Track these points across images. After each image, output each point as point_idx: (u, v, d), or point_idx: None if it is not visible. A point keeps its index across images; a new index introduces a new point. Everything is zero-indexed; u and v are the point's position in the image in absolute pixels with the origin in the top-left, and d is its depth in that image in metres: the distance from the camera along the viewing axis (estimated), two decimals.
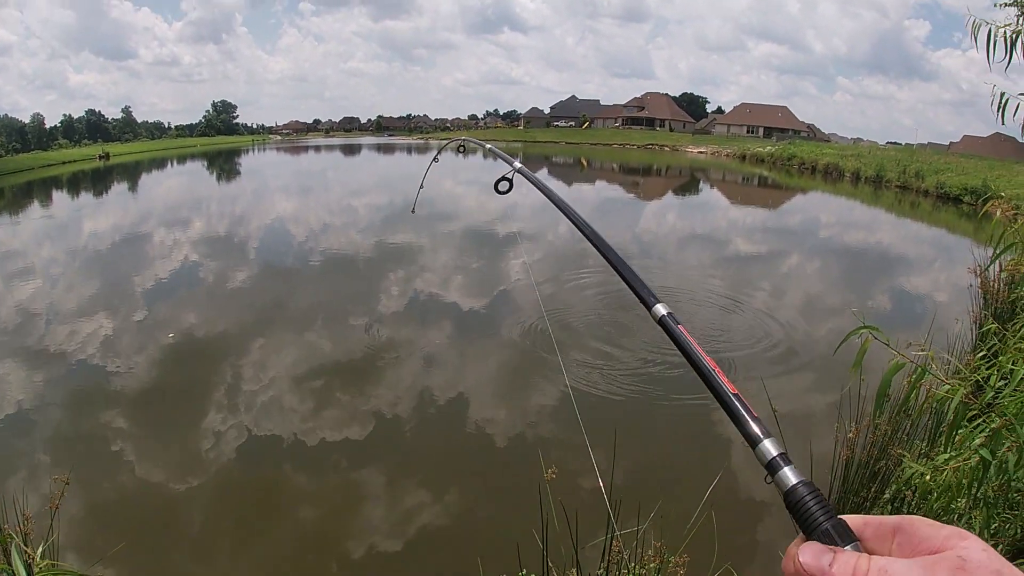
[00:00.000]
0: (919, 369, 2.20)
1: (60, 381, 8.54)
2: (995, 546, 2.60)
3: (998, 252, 2.46)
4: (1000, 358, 2.60)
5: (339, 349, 9.49)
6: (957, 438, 2.50)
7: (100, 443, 6.88)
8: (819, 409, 7.19)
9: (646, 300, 1.01)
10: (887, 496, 3.30)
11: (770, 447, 0.70)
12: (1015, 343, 2.75)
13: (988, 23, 3.33)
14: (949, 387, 2.29)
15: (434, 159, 3.48)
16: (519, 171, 1.81)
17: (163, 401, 7.97)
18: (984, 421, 2.50)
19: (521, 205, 23.13)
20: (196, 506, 5.91)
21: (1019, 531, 2.69)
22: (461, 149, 2.83)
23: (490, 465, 6.56)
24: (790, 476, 0.66)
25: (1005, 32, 3.31)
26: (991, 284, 8.05)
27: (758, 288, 13.21)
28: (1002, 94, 3.40)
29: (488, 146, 2.47)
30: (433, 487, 6.18)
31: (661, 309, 0.96)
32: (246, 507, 5.93)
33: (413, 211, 4.57)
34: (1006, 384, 2.49)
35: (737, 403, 0.76)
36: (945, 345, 6.42)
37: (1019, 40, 3.31)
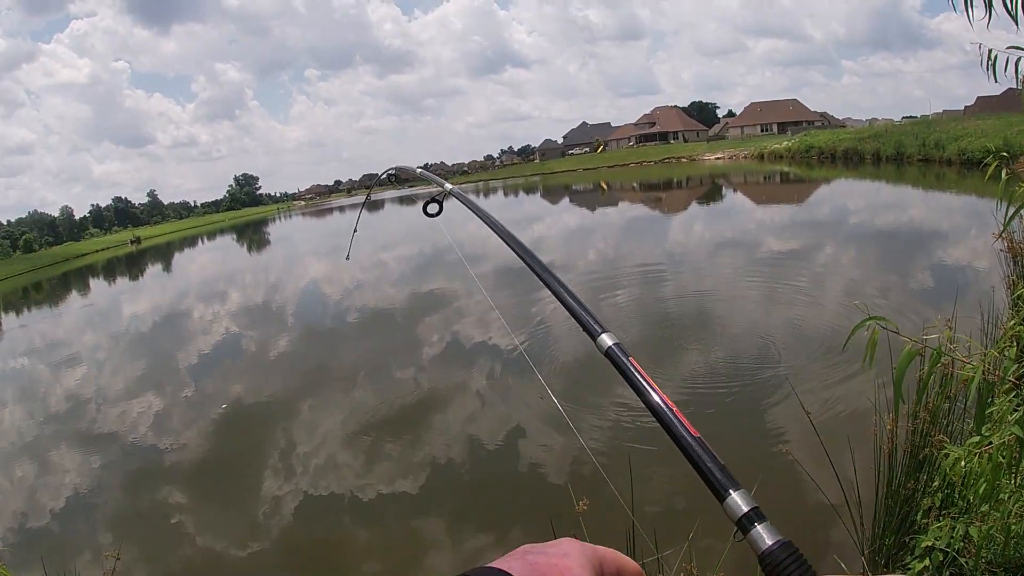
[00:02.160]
0: (936, 352, 2.16)
1: (116, 462, 8.75)
2: None
3: (1010, 215, 2.45)
4: None
5: (385, 402, 9.57)
6: (995, 415, 2.47)
7: (160, 518, 6.99)
8: (858, 404, 7.08)
9: (590, 329, 0.91)
10: (936, 484, 3.24)
11: (739, 501, 0.64)
12: None
13: None
14: (971, 366, 2.25)
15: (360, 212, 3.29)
16: (451, 193, 1.70)
17: (218, 472, 8.10)
18: (1018, 394, 2.46)
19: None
20: (261, 572, 5.99)
21: None
22: (392, 179, 2.69)
23: (525, 500, 6.56)
24: (764, 536, 0.60)
25: None
26: (1019, 247, 7.82)
27: (792, 285, 13.09)
28: (990, 51, 3.41)
29: (418, 170, 2.38)
30: (487, 525, 6.23)
31: (607, 340, 0.87)
32: (310, 568, 6.00)
33: (348, 258, 4.49)
34: None
35: (699, 449, 0.69)
36: (986, 316, 6.34)
37: None
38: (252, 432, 9.29)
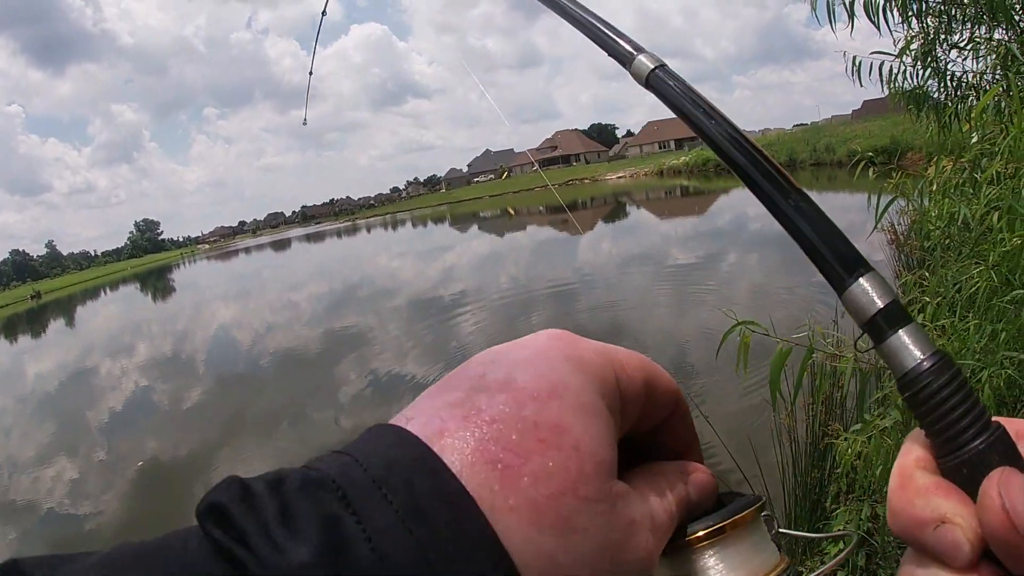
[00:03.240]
0: (808, 349, 2.29)
1: (32, 532, 8.37)
2: None
3: (882, 209, 2.63)
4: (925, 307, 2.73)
5: (310, 447, 9.42)
6: (888, 399, 2.62)
7: None
8: (755, 404, 7.20)
9: (619, 53, 0.57)
10: (840, 470, 3.40)
11: (871, 290, 0.39)
12: (932, 288, 2.90)
13: None
14: (845, 358, 2.39)
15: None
16: None
17: (139, 536, 7.82)
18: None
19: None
20: None
21: None
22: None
23: None
24: (911, 346, 0.37)
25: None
26: (901, 237, 8.33)
27: (696, 297, 13.46)
28: (854, 58, 3.63)
29: None
30: None
31: (646, 62, 0.54)
32: None
33: (304, 123, 4.25)
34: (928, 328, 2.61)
35: (808, 207, 0.46)
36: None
37: (854, 3, 3.54)
38: (172, 489, 9.00)
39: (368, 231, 76.56)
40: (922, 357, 0.37)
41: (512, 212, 60.45)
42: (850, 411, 4.34)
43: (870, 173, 2.77)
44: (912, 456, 0.38)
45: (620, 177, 78.24)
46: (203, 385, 14.48)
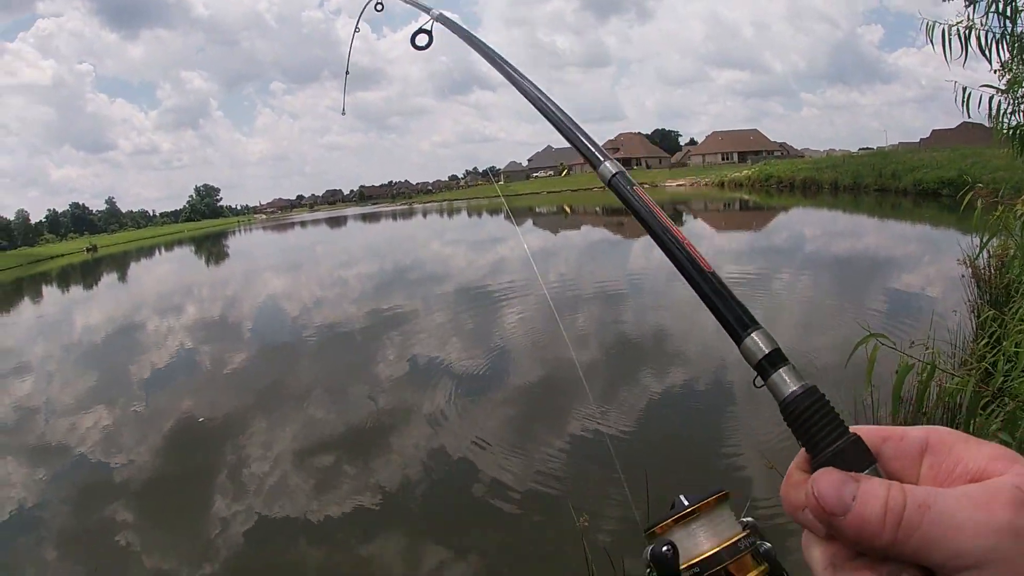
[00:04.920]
0: (928, 367, 2.19)
1: (63, 477, 8.48)
2: None
3: (985, 241, 2.47)
4: (1004, 343, 2.60)
5: (343, 421, 9.41)
6: (976, 425, 2.49)
7: (108, 537, 6.75)
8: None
9: (591, 158, 0.81)
10: None
11: (759, 341, 0.57)
12: (1015, 326, 2.75)
13: (940, 23, 3.42)
14: (959, 379, 2.29)
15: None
16: (438, 19, 1.42)
17: (168, 490, 7.87)
18: (998, 406, 2.49)
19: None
20: None
21: None
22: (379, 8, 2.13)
23: (513, 520, 6.45)
24: (788, 380, 0.54)
25: (958, 29, 3.39)
26: (982, 272, 8.17)
27: (753, 309, 13.20)
28: (964, 88, 3.47)
29: None
30: (459, 548, 6.10)
31: (610, 167, 0.77)
32: None
33: (344, 112, 4.19)
34: (1012, 367, 2.48)
35: (713, 284, 0.62)
36: (947, 338, 6.43)
37: (972, 35, 3.39)
38: (203, 449, 9.07)
39: (424, 216, 77.10)
40: (794, 388, 0.53)
41: (568, 210, 60.31)
42: None
43: (979, 204, 2.60)
44: (796, 461, 0.52)
45: (680, 185, 77.51)
46: (246, 351, 14.64)
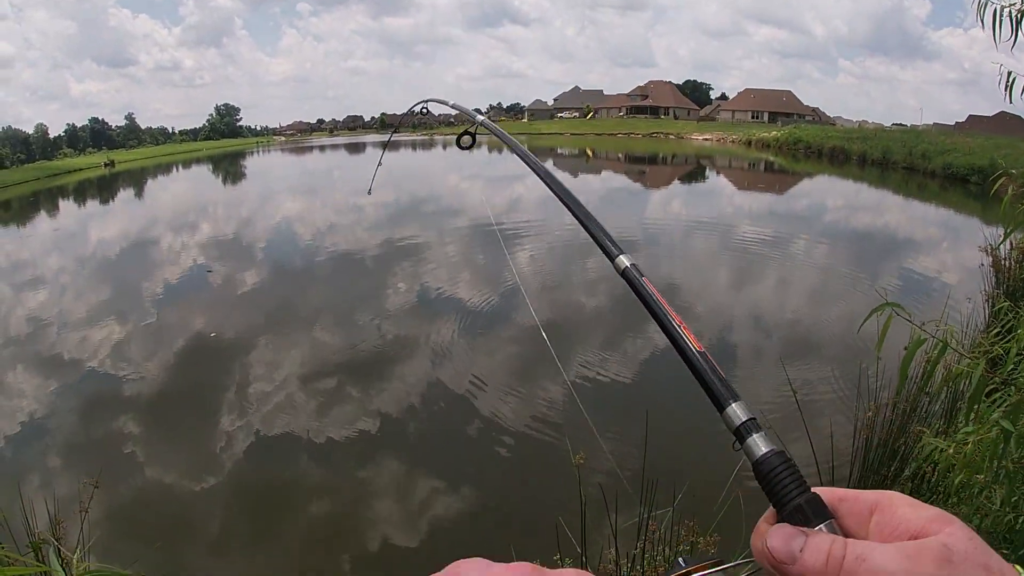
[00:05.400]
0: (940, 344, 2.17)
1: (73, 388, 8.62)
2: (1018, 519, 2.60)
3: (1009, 230, 2.42)
4: (1017, 331, 2.57)
5: (348, 345, 9.50)
6: (978, 411, 2.50)
7: (116, 448, 6.92)
8: (837, 391, 7.16)
9: (608, 251, 0.95)
10: (907, 473, 3.31)
11: (738, 411, 0.64)
12: None
13: (993, 2, 3.30)
14: (969, 361, 2.27)
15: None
16: (482, 124, 1.70)
17: (175, 404, 8.02)
18: (1003, 395, 2.48)
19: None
20: (214, 506, 5.95)
21: None
22: (424, 111, 2.39)
23: (511, 454, 6.54)
24: (760, 445, 0.61)
25: (1011, 11, 3.27)
26: (1002, 263, 8.08)
27: (767, 275, 13.20)
28: (1009, 73, 3.37)
29: (451, 102, 2.13)
30: (454, 478, 6.20)
31: (624, 260, 0.90)
32: (261, 505, 5.96)
33: (369, 192, 4.31)
34: (1022, 358, 2.47)
35: (702, 362, 0.71)
36: (959, 324, 6.41)
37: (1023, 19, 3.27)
38: (211, 365, 9.19)
39: (444, 148, 76.57)
40: (765, 451, 0.59)
41: (591, 154, 59.77)
42: (936, 415, 4.26)
43: (1009, 192, 2.54)
44: (765, 515, 0.57)
45: (706, 139, 76.45)
46: (258, 272, 14.72)
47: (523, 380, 8.09)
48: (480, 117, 1.71)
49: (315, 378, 8.40)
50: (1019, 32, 3.20)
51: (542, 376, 8.07)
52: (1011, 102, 3.41)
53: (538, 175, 1.29)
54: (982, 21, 3.34)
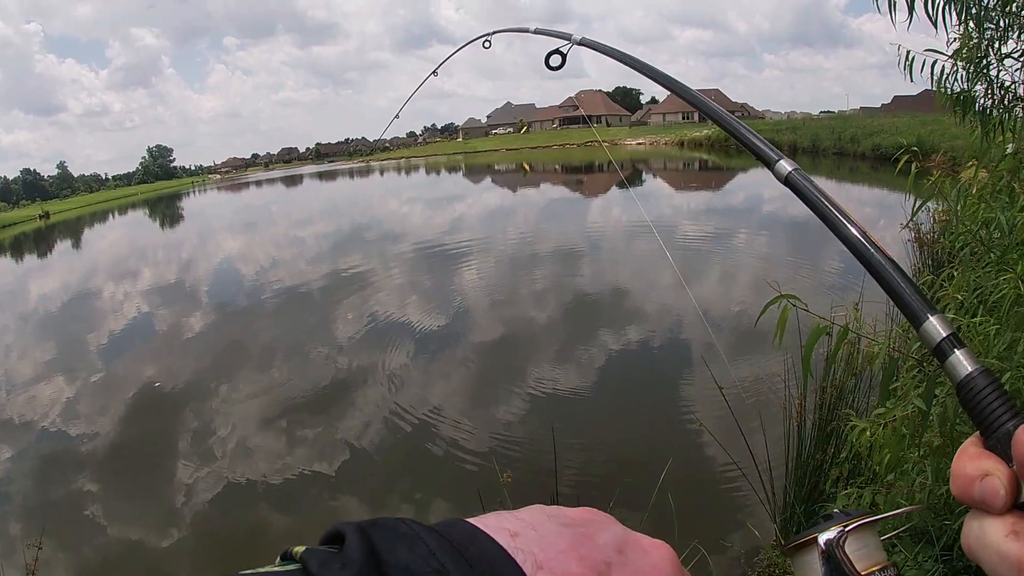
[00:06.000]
0: (843, 330, 2.28)
1: (26, 451, 8.38)
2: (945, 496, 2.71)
3: (916, 207, 2.55)
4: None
5: (303, 382, 9.43)
6: (899, 391, 2.60)
7: (75, 508, 6.76)
8: (770, 381, 7.29)
9: (765, 157, 0.84)
10: (843, 455, 3.43)
11: (938, 325, 0.57)
12: (952, 292, 2.84)
13: None
14: (877, 344, 2.37)
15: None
16: (582, 43, 1.45)
17: (133, 458, 7.86)
18: (919, 371, 2.60)
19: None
20: (181, 559, 5.85)
21: None
22: (487, 45, 2.11)
23: (449, 474, 6.57)
24: (964, 363, 0.54)
25: None
26: (925, 237, 8.35)
27: (710, 271, 13.45)
28: (908, 52, 3.52)
29: (533, 27, 1.91)
30: (409, 500, 6.21)
31: (786, 166, 0.80)
32: (230, 553, 5.88)
33: (383, 134, 4.17)
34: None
35: (892, 272, 0.64)
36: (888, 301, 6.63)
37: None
38: (166, 415, 9.03)
39: (381, 173, 76.31)
40: (971, 369, 0.53)
41: (527, 168, 60.10)
42: (861, 397, 4.37)
43: (912, 169, 2.66)
44: (967, 442, 0.52)
45: (639, 143, 77.44)
46: (204, 314, 14.50)
47: (483, 401, 8.16)
48: (576, 36, 1.48)
49: (271, 419, 8.31)
50: (913, 13, 3.34)
51: (502, 395, 8.16)
52: (911, 80, 3.56)
53: (658, 81, 1.18)
54: (877, 5, 3.50)
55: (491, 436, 7.09)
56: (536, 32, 1.75)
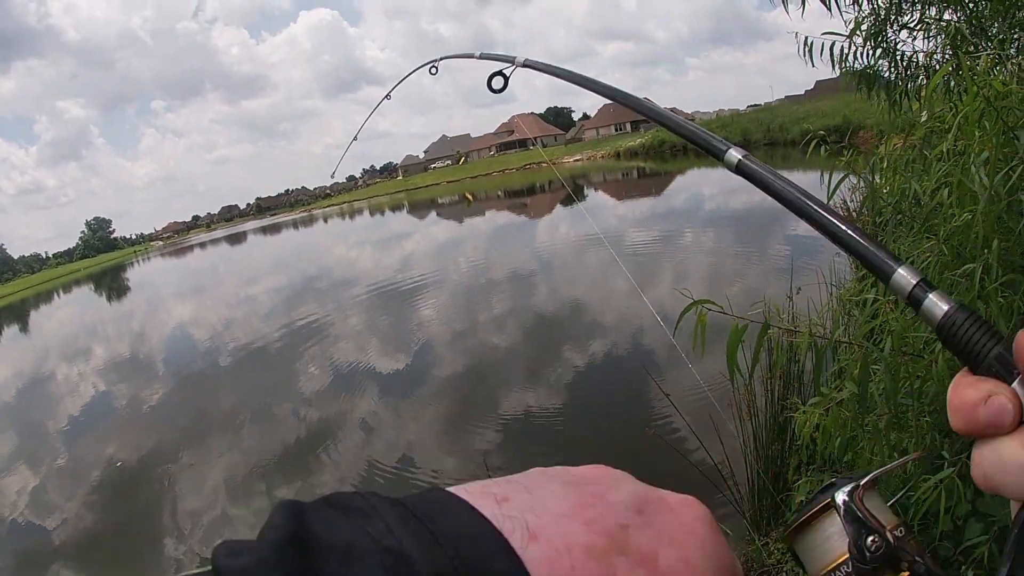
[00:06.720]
0: (764, 326, 2.34)
1: None
2: (907, 468, 2.79)
3: (834, 186, 2.65)
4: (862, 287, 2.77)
5: (273, 444, 9.31)
6: (845, 372, 2.67)
7: None
8: (717, 381, 7.36)
9: (714, 150, 0.87)
10: (800, 442, 3.52)
11: (907, 275, 0.58)
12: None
13: None
14: (800, 334, 2.44)
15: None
16: (525, 64, 1.46)
17: (107, 543, 7.67)
18: (846, 353, 2.68)
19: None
20: None
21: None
22: (433, 71, 2.11)
23: None
24: (939, 303, 0.55)
25: None
26: (853, 213, 8.54)
27: (663, 272, 13.61)
28: (806, 38, 3.67)
29: (477, 53, 1.89)
30: None
31: (735, 154, 0.82)
32: None
33: (332, 175, 4.17)
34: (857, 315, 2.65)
35: (852, 233, 0.64)
36: (838, 284, 6.81)
37: None
38: (137, 493, 8.84)
39: (325, 221, 75.97)
40: (947, 308, 0.54)
41: (470, 198, 60.27)
42: (808, 385, 4.45)
43: (822, 151, 2.77)
44: (957, 377, 0.51)
45: (577, 160, 78.20)
46: (163, 386, 14.22)
47: (456, 436, 8.17)
48: (520, 58, 1.50)
49: (243, 486, 8.17)
50: (805, 3, 3.50)
51: (474, 427, 8.17)
52: (813, 66, 3.71)
53: (603, 94, 1.22)
54: None
55: (465, 470, 7.08)
56: (481, 57, 1.77)
